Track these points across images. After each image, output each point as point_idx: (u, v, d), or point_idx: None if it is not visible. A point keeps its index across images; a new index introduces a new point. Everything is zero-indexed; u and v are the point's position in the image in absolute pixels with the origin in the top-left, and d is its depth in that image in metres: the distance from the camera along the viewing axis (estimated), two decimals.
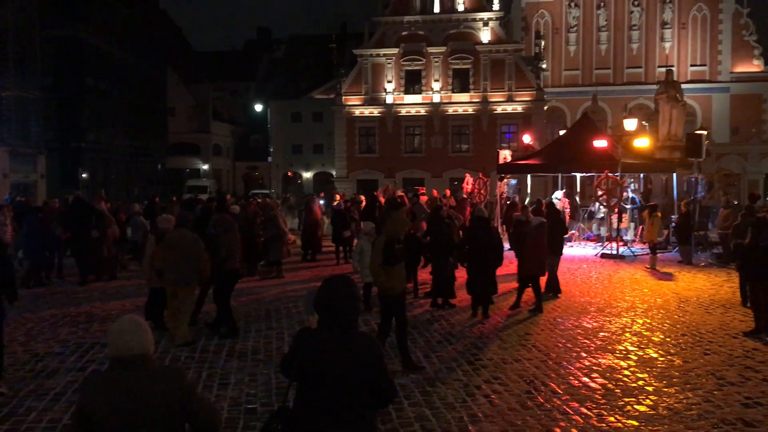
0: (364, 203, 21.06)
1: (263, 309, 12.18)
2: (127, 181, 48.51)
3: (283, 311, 12.05)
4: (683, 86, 31.17)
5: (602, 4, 49.26)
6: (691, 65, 48.52)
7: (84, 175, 42.03)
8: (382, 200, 20.79)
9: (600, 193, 20.74)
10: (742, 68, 48.14)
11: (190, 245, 9.43)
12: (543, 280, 12.48)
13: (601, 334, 10.25)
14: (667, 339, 9.93)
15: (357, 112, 44.94)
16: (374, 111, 44.71)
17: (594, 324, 10.92)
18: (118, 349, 3.24)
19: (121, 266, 16.84)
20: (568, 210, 23.66)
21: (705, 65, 48.52)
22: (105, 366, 3.84)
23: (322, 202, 28.00)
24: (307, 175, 59.97)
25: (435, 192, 25.22)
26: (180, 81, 60.05)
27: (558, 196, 23.44)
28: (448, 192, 26.56)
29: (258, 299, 13.11)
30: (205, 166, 61.13)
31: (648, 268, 17.14)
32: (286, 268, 16.63)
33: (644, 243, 19.87)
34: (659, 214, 18.17)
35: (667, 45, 48.47)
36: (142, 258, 10.81)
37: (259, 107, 65.58)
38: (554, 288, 13.36)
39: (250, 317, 11.41)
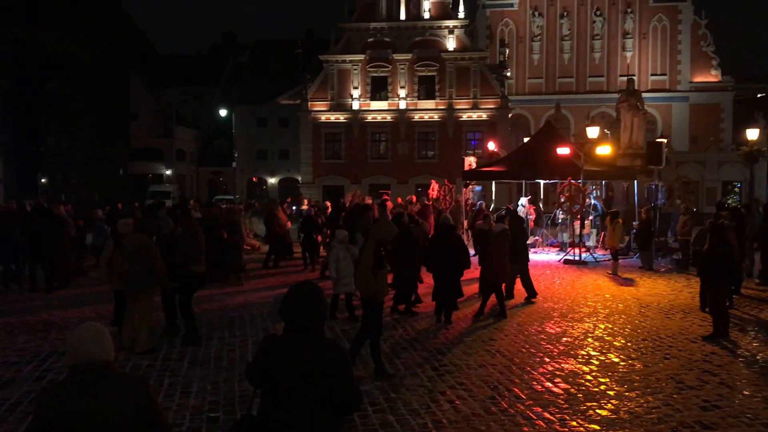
0: (330, 209, 21.01)
1: (226, 316, 12.04)
2: (88, 186, 47.61)
3: (247, 318, 11.93)
4: (644, 95, 31.79)
5: (565, 13, 50.04)
6: (652, 75, 49.56)
7: (43, 180, 41.15)
8: (369, 201, 20.85)
9: (563, 199, 21.00)
10: (700, 78, 49.30)
11: (145, 250, 9.31)
12: (520, 286, 12.58)
13: (564, 339, 10.36)
14: (629, 344, 10.08)
15: (323, 117, 44.86)
16: (340, 117, 44.69)
17: (557, 329, 11.03)
18: (78, 357, 3.16)
19: (81, 272, 16.52)
20: (533, 216, 23.93)
21: (665, 75, 49.58)
22: (63, 375, 3.74)
23: (295, 207, 27.87)
24: (273, 180, 59.61)
25: (399, 199, 25.25)
26: (143, 85, 59.25)
27: (523, 202, 23.70)
28: (413, 198, 26.63)
29: (221, 306, 12.96)
30: (168, 172, 60.35)
31: (610, 273, 17.39)
32: (249, 275, 16.49)
33: (606, 249, 20.17)
34: (620, 221, 18.45)
35: (629, 54, 49.43)
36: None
37: (223, 112, 64.90)
38: (530, 292, 13.50)
39: (213, 325, 11.27)
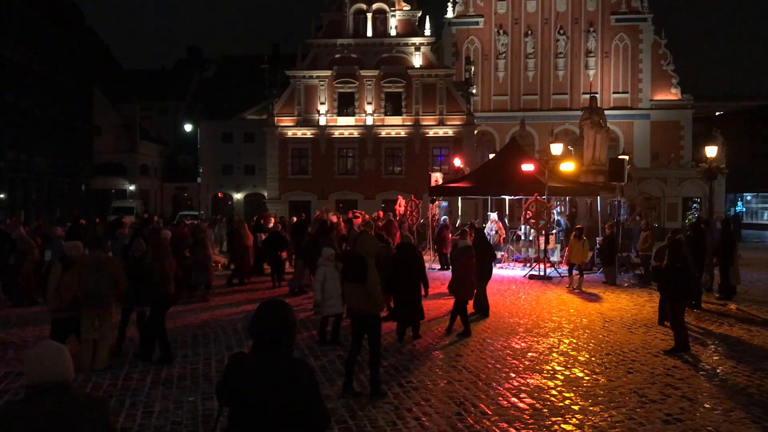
0: (294, 222, 20.90)
1: (190, 334, 11.87)
2: (48, 202, 46.70)
3: (211, 336, 11.77)
4: (606, 112, 32.33)
5: (529, 32, 50.82)
6: (614, 92, 50.49)
7: (2, 196, 40.24)
8: (334, 219, 20.77)
9: (528, 215, 21.20)
10: (661, 96, 50.40)
11: (107, 266, 9.15)
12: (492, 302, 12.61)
13: (530, 354, 10.42)
14: (593, 358, 10.18)
15: (290, 133, 44.75)
16: (307, 132, 44.62)
17: (522, 344, 11.09)
18: (36, 377, 3.08)
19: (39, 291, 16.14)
20: (503, 232, 24.08)
21: (627, 93, 50.57)
22: (20, 395, 3.64)
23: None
24: (238, 196, 59.16)
25: (366, 216, 25.25)
26: (107, 99, 58.48)
27: (492, 217, 23.87)
28: (380, 213, 26.65)
29: (185, 324, 12.77)
30: (132, 187, 59.51)
31: (575, 289, 17.54)
32: (214, 292, 16.30)
33: (566, 264, 20.13)
34: (585, 238, 18.65)
35: (591, 73, 50.33)
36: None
37: (188, 127, 64.45)
38: (483, 309, 13.55)
39: (176, 343, 11.07)
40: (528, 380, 8.93)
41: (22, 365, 3.38)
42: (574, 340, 11.42)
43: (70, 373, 3.16)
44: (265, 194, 47.41)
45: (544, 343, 11.22)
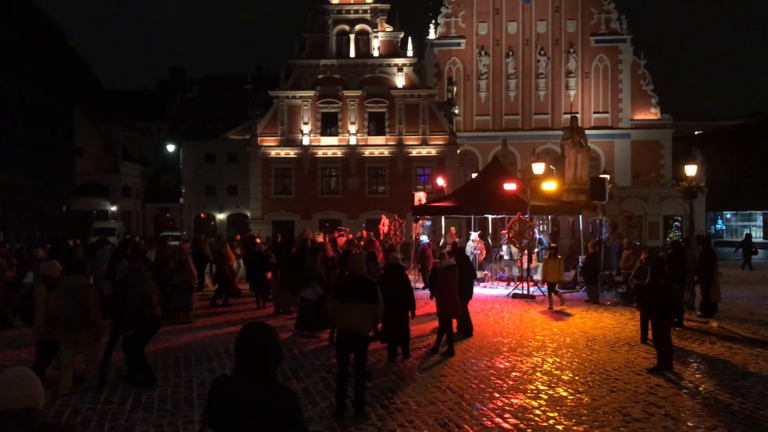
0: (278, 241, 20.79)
1: (171, 357, 11.73)
2: (29, 223, 46.18)
3: (193, 359, 11.64)
4: (587, 132, 32.71)
5: (510, 53, 51.40)
6: (594, 112, 51.09)
7: None
8: (320, 239, 20.66)
9: (511, 234, 21.28)
10: (641, 116, 51.05)
11: (83, 293, 9.03)
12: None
13: (513, 374, 10.40)
14: (576, 377, 10.18)
15: (273, 153, 44.73)
16: (290, 152, 44.63)
17: (506, 364, 11.08)
18: (2, 403, 3.02)
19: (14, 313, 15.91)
20: (483, 251, 24.16)
21: (607, 112, 51.19)
22: None
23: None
24: (221, 216, 58.94)
25: (350, 235, 25.20)
26: (89, 120, 58.18)
27: (473, 237, 23.94)
28: (364, 233, 26.61)
29: (166, 347, 12.62)
30: (114, 208, 59.08)
31: (550, 308, 17.49)
32: (197, 314, 16.16)
33: (542, 283, 20.04)
34: (560, 257, 18.70)
35: (572, 93, 50.93)
36: (30, 309, 9.76)
37: (171, 147, 64.23)
38: (466, 329, 13.53)
39: (157, 365, 10.94)
40: (512, 400, 8.91)
41: None
42: (558, 359, 11.42)
43: (38, 401, 3.10)
44: (249, 214, 47.25)
45: (527, 362, 11.21)
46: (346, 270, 12.70)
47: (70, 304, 8.92)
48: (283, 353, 3.57)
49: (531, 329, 14.51)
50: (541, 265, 22.92)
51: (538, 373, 10.43)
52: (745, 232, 43.32)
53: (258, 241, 22.38)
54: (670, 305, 10.92)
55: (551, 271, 17.94)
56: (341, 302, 8.33)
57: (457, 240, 21.37)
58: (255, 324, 3.63)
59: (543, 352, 12.02)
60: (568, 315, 16.69)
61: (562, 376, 10.23)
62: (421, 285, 22.06)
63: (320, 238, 23.85)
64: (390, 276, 11.42)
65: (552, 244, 20.43)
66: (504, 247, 23.43)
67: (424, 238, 23.52)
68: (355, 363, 8.24)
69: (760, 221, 54.15)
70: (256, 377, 3.45)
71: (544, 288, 21.08)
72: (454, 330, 12.47)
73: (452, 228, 24.92)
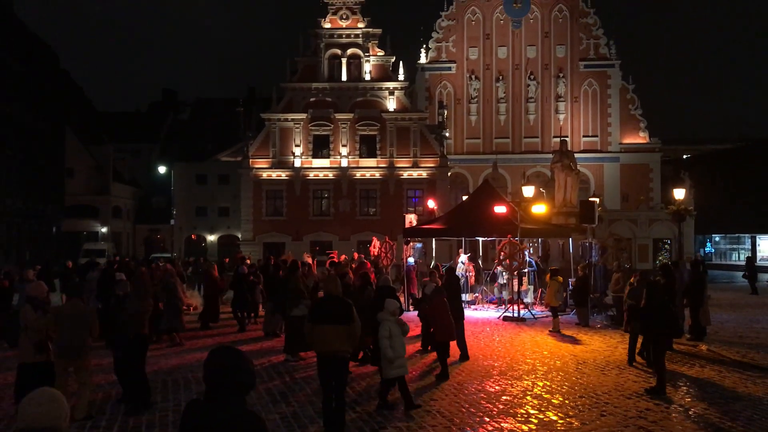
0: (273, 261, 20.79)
1: (160, 380, 11.64)
2: (18, 244, 45.90)
3: (181, 382, 11.57)
4: (577, 155, 32.90)
5: (501, 77, 51.90)
6: (584, 136, 51.52)
7: None
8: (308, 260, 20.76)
9: (502, 256, 21.33)
10: (629, 139, 51.51)
11: (84, 317, 9.00)
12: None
13: (504, 397, 10.38)
14: (566, 401, 10.17)
15: (264, 175, 44.79)
16: (282, 174, 44.70)
17: (497, 388, 11.06)
18: (24, 421, 3.11)
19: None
20: (472, 273, 24.18)
21: (596, 136, 51.63)
22: None
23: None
24: (212, 238, 58.78)
25: (343, 257, 25.22)
26: (80, 141, 58.15)
27: (463, 260, 23.96)
28: (356, 255, 26.62)
29: (155, 369, 12.51)
30: (104, 229, 58.85)
31: (551, 331, 17.55)
32: (185, 337, 16.07)
33: (545, 306, 20.44)
34: (560, 279, 18.78)
35: (561, 117, 51.38)
36: (20, 331, 9.51)
37: (162, 169, 64.19)
38: (463, 353, 13.51)
39: None
40: (502, 424, 8.88)
41: None
42: (548, 383, 11.41)
43: (60, 421, 3.15)
44: (239, 236, 47.17)
45: (518, 386, 11.20)
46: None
47: (72, 329, 8.84)
48: (254, 379, 3.47)
49: (521, 352, 14.50)
50: (531, 287, 23.02)
51: (528, 397, 10.42)
52: (746, 256, 43.44)
53: (248, 261, 22.38)
54: (673, 324, 10.93)
55: (553, 293, 18.02)
56: (317, 324, 8.27)
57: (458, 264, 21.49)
58: (223, 349, 3.55)
59: (533, 376, 12.01)
60: (559, 338, 16.69)
61: (553, 400, 10.22)
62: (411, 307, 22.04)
63: (308, 259, 23.91)
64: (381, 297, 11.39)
65: (552, 267, 20.47)
66: (499, 269, 23.48)
67: (411, 260, 23.53)
68: (335, 385, 8.22)
69: (748, 244, 54.44)
70: (224, 403, 3.38)
71: (536, 311, 21.15)
72: (456, 355, 12.39)
73: (460, 250, 24.85)
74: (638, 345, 13.13)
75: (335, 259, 23.12)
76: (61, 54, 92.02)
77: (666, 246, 42.16)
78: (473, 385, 11.18)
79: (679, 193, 28.97)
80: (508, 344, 15.64)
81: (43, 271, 21.98)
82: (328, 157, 44.81)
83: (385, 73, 44.91)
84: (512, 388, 11.04)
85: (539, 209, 24.92)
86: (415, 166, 44.46)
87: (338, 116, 44.45)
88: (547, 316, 19.24)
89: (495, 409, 9.65)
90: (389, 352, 9.24)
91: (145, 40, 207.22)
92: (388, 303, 9.85)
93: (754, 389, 11.07)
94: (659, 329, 10.82)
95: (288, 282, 14.08)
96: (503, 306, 22.17)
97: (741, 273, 31.57)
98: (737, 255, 55.18)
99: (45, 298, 9.45)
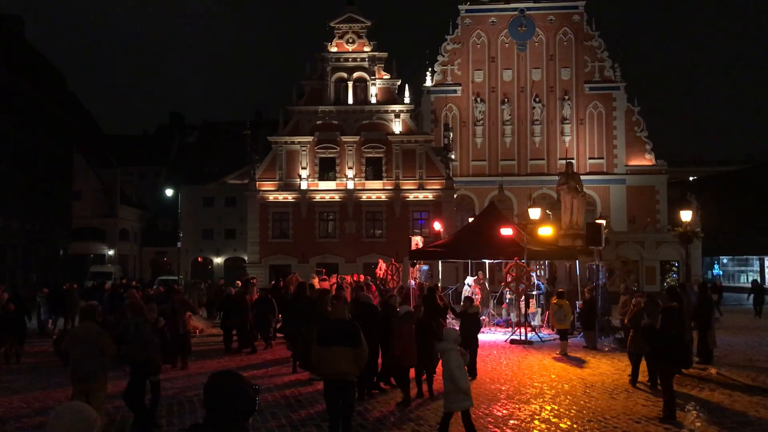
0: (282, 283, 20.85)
1: (165, 403, 11.58)
2: (25, 267, 46.02)
3: (186, 406, 11.52)
4: (583, 177, 32.85)
5: (506, 100, 52.10)
6: (590, 158, 51.53)
7: None
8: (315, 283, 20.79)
9: (509, 278, 21.26)
10: (635, 161, 51.49)
11: (97, 339, 8.99)
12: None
13: (511, 422, 10.29)
14: (574, 426, 10.07)
15: (271, 197, 44.91)
16: (288, 196, 44.82)
17: (504, 411, 10.97)
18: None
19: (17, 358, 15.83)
20: (479, 296, 24.06)
21: (602, 158, 51.63)
22: None
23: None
24: (218, 260, 58.81)
25: (348, 277, 25.18)
26: (87, 164, 58.51)
27: (470, 282, 23.90)
28: (356, 276, 26.55)
29: (161, 393, 12.47)
30: (111, 252, 59.01)
31: (559, 354, 17.43)
32: (192, 360, 16.04)
33: (552, 329, 20.33)
34: (566, 302, 18.69)
35: (567, 139, 51.45)
36: None
37: (169, 192, 64.48)
38: (471, 372, 13.45)
39: None
40: None
41: None
42: (556, 407, 11.32)
43: None
44: (246, 258, 47.20)
45: (525, 410, 11.10)
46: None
47: (84, 351, 8.83)
48: (254, 403, 3.43)
49: (529, 376, 14.40)
50: (539, 310, 22.91)
51: (536, 421, 10.33)
52: (752, 278, 43.15)
53: (256, 282, 22.41)
54: (685, 356, 10.84)
55: (554, 316, 17.94)
56: (325, 347, 8.24)
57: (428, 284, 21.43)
58: (222, 373, 3.54)
59: (541, 399, 11.92)
60: (566, 361, 16.57)
61: (560, 424, 10.12)
62: None
63: (315, 282, 23.90)
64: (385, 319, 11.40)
65: (559, 289, 20.38)
66: (506, 292, 23.41)
67: (412, 282, 23.48)
68: (343, 409, 8.17)
69: (756, 266, 54.10)
70: (224, 428, 3.36)
71: (543, 334, 21.03)
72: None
73: (479, 273, 24.61)
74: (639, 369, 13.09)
75: (326, 278, 23.11)
76: (69, 77, 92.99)
77: (674, 268, 41.93)
78: (480, 409, 11.08)
79: (686, 215, 28.89)
80: (515, 367, 15.54)
81: (51, 294, 22.07)
82: (335, 180, 44.93)
83: (391, 96, 45.16)
84: (520, 412, 10.95)
85: (546, 231, 24.86)
86: (421, 188, 44.52)
87: (344, 139, 44.65)
88: (554, 339, 19.12)
89: None
90: (463, 384, 8.81)
91: (152, 64, 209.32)
92: (449, 332, 9.45)
93: (765, 414, 10.95)
94: (672, 360, 10.68)
95: (318, 304, 14.01)
96: (510, 328, 22.05)
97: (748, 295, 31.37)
98: (745, 277, 54.80)
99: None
